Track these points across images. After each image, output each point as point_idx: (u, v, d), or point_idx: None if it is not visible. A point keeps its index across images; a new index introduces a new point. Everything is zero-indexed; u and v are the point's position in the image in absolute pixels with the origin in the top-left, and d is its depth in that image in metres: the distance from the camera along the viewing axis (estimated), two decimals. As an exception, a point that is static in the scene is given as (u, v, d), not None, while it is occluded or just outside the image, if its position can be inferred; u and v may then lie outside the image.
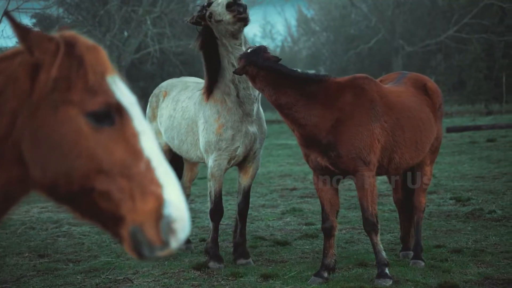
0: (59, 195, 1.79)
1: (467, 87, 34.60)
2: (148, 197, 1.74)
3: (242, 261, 6.28)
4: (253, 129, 6.20)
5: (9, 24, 1.74)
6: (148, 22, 27.39)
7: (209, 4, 5.98)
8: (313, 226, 7.87)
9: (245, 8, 5.76)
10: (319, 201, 5.73)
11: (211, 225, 6.35)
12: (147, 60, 30.43)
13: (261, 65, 5.47)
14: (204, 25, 6.10)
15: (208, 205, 6.39)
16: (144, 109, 7.44)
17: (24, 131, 1.77)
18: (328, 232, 5.62)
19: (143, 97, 7.45)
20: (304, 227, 8.02)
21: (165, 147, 7.01)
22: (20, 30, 1.76)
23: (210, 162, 6.18)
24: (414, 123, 5.72)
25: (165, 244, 1.75)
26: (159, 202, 1.74)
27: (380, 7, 40.62)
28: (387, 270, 5.43)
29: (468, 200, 9.04)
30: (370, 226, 5.49)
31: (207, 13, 5.96)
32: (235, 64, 5.92)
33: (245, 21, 5.83)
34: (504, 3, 33.63)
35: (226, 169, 6.22)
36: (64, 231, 8.03)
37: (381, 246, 5.53)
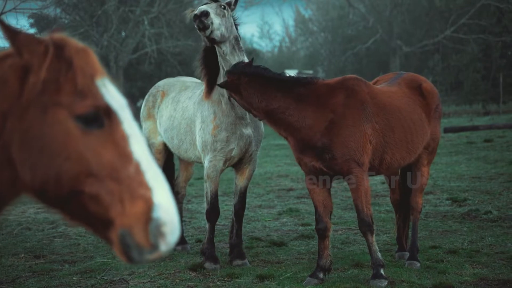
0: (48, 198, 1.78)
1: (465, 87, 34.62)
2: (137, 200, 1.74)
3: (238, 262, 6.28)
4: (248, 131, 6.20)
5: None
6: (146, 22, 27.36)
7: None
8: (309, 227, 7.87)
9: (204, 25, 5.72)
10: (313, 202, 5.74)
11: (207, 225, 6.35)
12: (145, 60, 30.40)
13: (240, 71, 5.45)
14: None
15: (205, 205, 6.39)
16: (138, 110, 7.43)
17: (13, 133, 1.76)
18: (322, 233, 5.63)
19: (141, 97, 7.45)
20: (300, 227, 8.02)
21: (159, 147, 7.01)
22: (9, 32, 1.76)
23: (206, 163, 6.19)
24: (404, 124, 5.72)
25: (154, 247, 1.75)
26: (148, 205, 1.74)
27: (378, 7, 40.63)
28: (382, 271, 5.43)
29: (465, 200, 9.05)
30: (365, 226, 5.49)
31: None
32: (223, 66, 6.05)
33: (204, 34, 5.83)
34: (501, 3, 33.66)
35: (222, 170, 6.22)
36: (60, 232, 8.02)
37: (376, 246, 5.54)
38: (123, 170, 1.75)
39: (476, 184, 10.47)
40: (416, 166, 6.19)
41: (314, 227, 6.02)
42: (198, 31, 5.87)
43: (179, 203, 7.46)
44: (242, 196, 6.39)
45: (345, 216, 8.52)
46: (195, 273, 6.07)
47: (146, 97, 7.26)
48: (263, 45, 59.46)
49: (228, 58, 5.99)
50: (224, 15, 5.90)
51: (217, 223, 8.12)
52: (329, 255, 5.66)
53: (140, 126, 7.40)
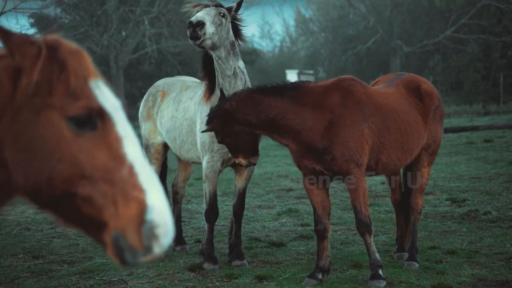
0: (41, 200, 1.78)
1: (465, 87, 34.58)
2: (131, 203, 1.73)
3: (237, 262, 6.28)
4: None
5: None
6: (146, 22, 27.35)
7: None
8: (308, 227, 7.86)
9: (196, 35, 5.69)
10: (311, 204, 5.73)
11: (206, 226, 6.35)
12: (145, 60, 30.39)
13: (222, 105, 5.42)
14: None
15: (204, 206, 6.39)
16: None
17: (6, 135, 1.76)
18: (321, 234, 5.62)
19: (141, 97, 7.43)
20: (299, 228, 8.02)
21: (159, 147, 7.00)
22: (1, 33, 1.75)
23: (204, 163, 6.19)
24: (400, 125, 5.72)
25: (147, 249, 1.74)
26: (142, 207, 1.73)
27: (378, 7, 40.58)
28: (380, 272, 5.43)
29: (464, 201, 9.04)
30: (363, 227, 5.49)
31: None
32: (217, 69, 6.06)
33: (194, 43, 5.81)
34: (502, 3, 33.62)
35: (220, 170, 6.22)
36: (59, 232, 8.02)
37: (374, 247, 5.54)
38: (116, 172, 1.75)
39: (475, 184, 10.46)
40: (417, 167, 6.20)
41: (313, 227, 6.04)
42: (188, 38, 5.84)
43: (178, 203, 7.45)
44: (241, 197, 6.38)
45: (345, 216, 8.52)
46: (194, 273, 6.07)
47: (145, 96, 7.23)
48: (264, 45, 59.40)
49: (222, 62, 5.97)
50: (221, 23, 5.84)
51: (217, 223, 8.11)
52: (328, 256, 5.66)
53: (136, 126, 7.40)
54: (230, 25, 6.01)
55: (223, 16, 5.89)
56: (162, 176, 7.34)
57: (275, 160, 15.86)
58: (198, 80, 7.15)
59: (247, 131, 5.43)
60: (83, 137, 1.75)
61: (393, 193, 6.67)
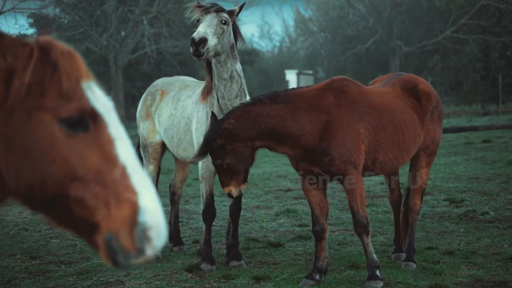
0: (33, 202, 1.78)
1: (464, 87, 34.58)
2: (123, 204, 1.73)
3: (234, 263, 6.28)
4: None
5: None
6: (145, 22, 27.34)
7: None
8: (306, 228, 7.87)
9: (199, 53, 5.67)
10: (309, 204, 5.74)
11: (203, 226, 6.35)
12: (144, 60, 30.38)
13: (220, 125, 5.36)
14: None
15: (201, 206, 6.40)
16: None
17: None
18: (319, 235, 5.62)
19: (141, 97, 7.42)
20: (297, 228, 8.02)
21: (157, 146, 6.99)
22: None
23: (200, 164, 6.19)
24: (396, 124, 5.72)
25: (140, 251, 1.74)
26: (134, 209, 1.73)
27: (378, 7, 40.57)
28: (378, 272, 5.43)
29: (462, 201, 9.04)
30: (361, 228, 5.49)
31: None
32: (214, 72, 6.04)
33: (197, 59, 5.81)
34: (501, 4, 33.62)
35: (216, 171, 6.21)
36: (57, 233, 8.01)
37: (372, 248, 5.54)
38: (108, 174, 1.75)
39: (473, 184, 10.46)
40: (415, 167, 6.20)
41: (311, 228, 6.04)
42: (192, 55, 5.81)
43: (175, 204, 7.45)
44: (237, 198, 6.37)
45: (343, 217, 8.51)
46: (191, 274, 6.07)
47: (144, 96, 7.22)
48: (263, 45, 59.43)
49: (220, 66, 5.96)
50: (223, 32, 5.82)
51: (215, 223, 8.13)
52: (326, 257, 5.66)
53: (135, 126, 7.40)
54: (231, 29, 5.99)
55: (225, 23, 5.85)
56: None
57: (273, 160, 15.86)
58: (197, 80, 7.16)
59: (248, 146, 5.38)
60: (75, 138, 1.74)
61: (391, 194, 6.67)
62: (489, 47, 35.04)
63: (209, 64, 6.12)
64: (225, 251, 6.54)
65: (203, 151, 5.42)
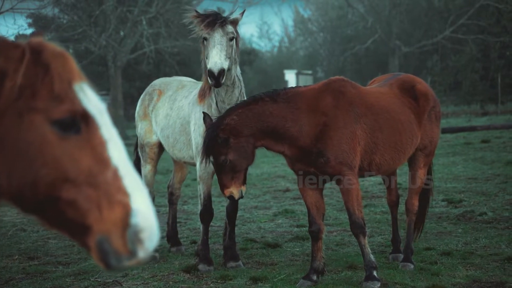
0: (25, 204, 1.77)
1: (463, 87, 34.57)
2: (115, 206, 1.72)
3: (232, 264, 6.27)
4: None
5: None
6: (144, 22, 27.31)
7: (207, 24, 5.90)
8: (304, 228, 7.86)
9: (220, 84, 5.70)
10: (305, 205, 5.73)
11: (201, 227, 6.35)
12: (143, 61, 30.36)
13: (221, 121, 5.34)
14: None
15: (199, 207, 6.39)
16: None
17: None
18: (315, 236, 5.62)
19: (139, 97, 7.43)
20: (295, 229, 8.01)
21: (154, 146, 6.99)
22: None
23: (197, 165, 6.20)
24: (393, 124, 5.71)
25: (132, 254, 1.73)
26: (126, 211, 1.72)
27: (377, 7, 40.55)
28: (375, 273, 5.43)
29: (460, 202, 9.04)
30: (357, 228, 5.49)
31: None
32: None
33: (217, 87, 5.83)
34: (500, 4, 33.61)
35: (214, 172, 6.20)
36: (55, 233, 7.99)
37: (369, 248, 5.53)
38: (100, 176, 1.74)
39: (472, 185, 10.46)
40: (413, 168, 6.20)
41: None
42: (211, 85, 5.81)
43: (173, 204, 7.46)
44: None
45: (341, 217, 8.51)
46: (188, 275, 6.07)
47: (142, 96, 7.24)
48: (262, 45, 59.44)
49: (225, 73, 5.93)
50: (232, 49, 5.82)
51: (213, 224, 8.13)
52: (323, 257, 5.66)
53: (134, 126, 7.40)
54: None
55: (233, 38, 5.84)
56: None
57: (272, 160, 15.85)
58: (195, 81, 7.16)
59: (250, 143, 5.35)
60: (67, 140, 1.74)
61: (389, 194, 6.67)
62: (488, 47, 35.04)
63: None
64: (222, 252, 6.54)
65: (208, 147, 5.34)
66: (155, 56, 29.26)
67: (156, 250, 6.85)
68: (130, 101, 33.43)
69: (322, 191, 5.73)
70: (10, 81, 1.73)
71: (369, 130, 5.54)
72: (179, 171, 7.49)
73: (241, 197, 5.49)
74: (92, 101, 1.80)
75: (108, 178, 1.74)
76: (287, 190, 11.21)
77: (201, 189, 6.24)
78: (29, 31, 28.09)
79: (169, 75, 8.88)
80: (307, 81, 39.52)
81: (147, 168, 7.08)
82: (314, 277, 5.58)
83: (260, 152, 19.09)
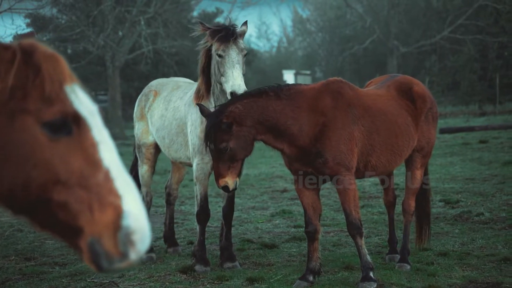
0: (16, 205, 1.77)
1: (461, 88, 34.61)
2: (106, 208, 1.72)
3: (228, 264, 6.27)
4: None
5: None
6: (142, 22, 27.29)
7: (212, 33, 5.91)
8: (301, 229, 7.85)
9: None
10: (302, 205, 5.74)
11: (197, 228, 6.35)
12: (141, 61, 30.36)
13: (225, 107, 5.33)
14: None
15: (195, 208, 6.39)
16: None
17: None
18: (311, 236, 5.62)
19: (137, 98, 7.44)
20: (292, 229, 8.01)
21: (151, 147, 7.00)
22: None
23: (194, 166, 6.21)
24: (390, 127, 5.71)
25: (123, 255, 1.73)
26: (118, 213, 1.72)
27: (375, 7, 40.59)
28: (371, 274, 5.43)
29: (457, 202, 9.04)
30: (354, 229, 5.49)
31: (212, 48, 5.93)
32: (219, 87, 5.97)
33: None
34: (499, 4, 33.66)
35: (210, 173, 6.21)
36: (51, 234, 7.99)
37: (365, 249, 5.53)
38: (92, 178, 1.74)
39: (469, 185, 10.47)
40: (410, 168, 6.21)
41: (305, 229, 6.05)
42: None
43: (171, 205, 7.45)
44: (230, 200, 6.39)
45: (338, 218, 8.51)
46: (185, 275, 6.06)
47: (139, 97, 7.27)
48: (261, 45, 59.47)
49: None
50: (244, 63, 5.89)
51: (210, 224, 8.12)
52: (319, 257, 5.66)
53: (132, 127, 7.41)
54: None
55: (246, 55, 5.90)
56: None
57: (270, 161, 15.86)
58: (191, 81, 7.17)
59: (251, 134, 5.32)
60: (58, 142, 1.73)
61: (386, 195, 6.68)
62: (486, 48, 35.11)
63: (207, 73, 6.09)
64: (219, 252, 6.53)
65: (210, 132, 5.29)
66: (153, 56, 29.26)
67: (153, 251, 6.85)
68: (129, 101, 33.42)
69: (318, 192, 5.74)
70: (1, 83, 1.72)
71: (366, 132, 5.54)
72: (177, 172, 7.49)
73: (235, 188, 5.45)
74: (83, 102, 1.79)
75: (99, 180, 1.74)
76: (285, 190, 11.21)
77: (197, 189, 6.24)
78: (27, 31, 28.07)
79: (168, 75, 8.91)
80: (305, 81, 39.51)
81: (144, 168, 7.10)
82: (311, 278, 5.58)
83: (258, 153, 19.09)
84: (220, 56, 5.80)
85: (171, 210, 7.41)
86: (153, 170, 7.21)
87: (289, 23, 58.14)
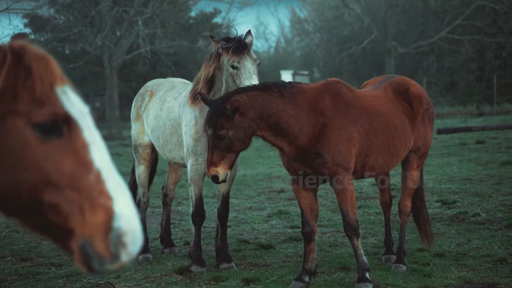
0: (7, 207, 1.76)
1: (459, 88, 34.65)
2: (98, 210, 1.72)
3: (224, 265, 6.27)
4: None
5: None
6: (140, 22, 27.26)
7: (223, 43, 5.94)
8: (298, 229, 7.84)
9: None
10: (299, 206, 5.73)
11: (193, 228, 6.35)
12: (139, 61, 30.34)
13: (230, 96, 5.33)
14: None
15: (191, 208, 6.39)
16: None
17: None
18: (308, 237, 5.62)
19: (136, 98, 7.45)
20: (289, 230, 8.01)
21: (146, 147, 7.00)
22: None
23: (188, 167, 6.21)
24: (387, 128, 5.72)
25: (115, 257, 1.73)
26: (109, 214, 1.72)
27: (373, 8, 40.59)
28: (367, 275, 5.43)
29: (454, 202, 9.05)
30: (351, 230, 5.49)
31: (222, 57, 5.95)
32: (224, 83, 5.97)
33: None
34: (496, 4, 33.70)
35: (204, 174, 6.21)
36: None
37: (362, 250, 5.53)
38: (83, 179, 1.73)
39: (466, 186, 10.47)
40: (406, 169, 6.21)
41: (301, 229, 6.05)
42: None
43: (167, 206, 7.45)
44: (224, 201, 6.40)
45: (334, 218, 8.51)
46: (181, 276, 6.06)
47: (136, 97, 7.28)
48: (259, 46, 59.39)
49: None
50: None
51: (207, 225, 8.13)
52: (315, 258, 5.66)
53: (129, 127, 7.41)
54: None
55: (259, 64, 5.95)
56: (149, 179, 7.36)
57: (267, 161, 15.85)
58: (186, 81, 7.17)
59: (252, 127, 5.29)
60: (49, 144, 1.73)
61: (382, 195, 6.68)
62: (484, 48, 35.13)
63: (211, 83, 6.08)
64: (215, 253, 6.54)
65: (212, 117, 5.23)
66: (151, 56, 29.26)
67: (149, 252, 6.85)
68: (126, 101, 33.43)
69: (316, 193, 5.74)
70: None
71: (364, 133, 5.55)
72: (174, 172, 7.49)
73: (224, 180, 5.37)
74: (74, 104, 1.79)
75: (90, 181, 1.74)
76: (282, 191, 11.21)
77: (192, 190, 6.25)
78: (24, 31, 28.04)
79: (165, 76, 8.91)
80: (303, 81, 39.46)
81: (140, 168, 7.11)
82: (306, 279, 5.58)
83: (255, 153, 19.01)
84: (235, 67, 5.81)
85: (167, 211, 7.41)
86: (149, 171, 7.21)
87: (287, 23, 58.16)
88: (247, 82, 5.69)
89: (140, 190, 7.15)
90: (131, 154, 7.50)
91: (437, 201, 9.25)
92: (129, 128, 7.39)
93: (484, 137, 17.34)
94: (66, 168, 1.73)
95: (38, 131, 1.72)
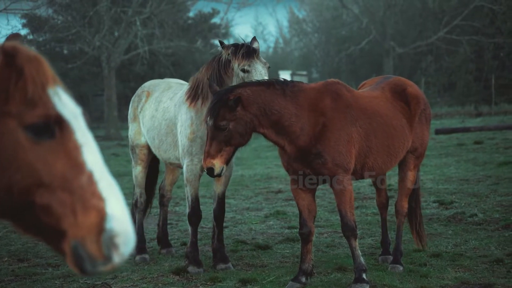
0: (0, 209, 1.76)
1: (457, 88, 34.67)
2: (90, 211, 1.72)
3: (221, 266, 6.27)
4: None
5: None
6: (138, 23, 27.25)
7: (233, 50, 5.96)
8: (295, 230, 7.84)
9: None
10: (297, 207, 5.73)
11: (189, 229, 6.35)
12: (137, 61, 30.33)
13: (233, 88, 5.33)
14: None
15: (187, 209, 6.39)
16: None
17: None
18: (305, 238, 5.62)
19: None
20: (286, 230, 8.01)
21: (143, 148, 7.00)
22: None
23: (184, 167, 6.22)
24: (385, 129, 5.72)
25: (107, 259, 1.73)
26: (101, 216, 1.72)
27: (371, 8, 40.59)
28: (364, 275, 5.43)
29: (451, 203, 9.05)
30: (349, 231, 5.49)
31: (232, 63, 5.97)
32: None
33: None
34: (494, 5, 33.74)
35: (200, 175, 6.21)
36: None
37: (359, 251, 5.54)
38: (75, 180, 1.73)
39: (464, 186, 10.48)
40: (403, 169, 6.21)
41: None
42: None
43: (164, 206, 7.45)
44: (220, 202, 6.39)
45: (332, 219, 8.51)
46: (178, 277, 6.06)
47: (133, 98, 7.28)
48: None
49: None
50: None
51: (204, 226, 8.13)
52: (312, 259, 5.66)
53: (127, 128, 7.41)
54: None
55: (269, 68, 5.99)
56: (152, 180, 7.38)
57: (265, 161, 15.85)
58: (183, 82, 7.17)
59: (253, 123, 5.25)
60: (41, 145, 1.73)
61: (378, 196, 6.68)
62: (482, 48, 35.16)
63: (218, 80, 6.07)
64: (212, 254, 6.53)
65: (215, 106, 5.18)
66: (149, 57, 29.23)
67: (146, 252, 6.85)
68: (124, 102, 33.33)
69: (314, 194, 5.74)
70: None
71: (364, 134, 5.55)
72: (171, 173, 7.49)
73: (219, 174, 5.33)
74: (67, 105, 1.79)
75: (82, 182, 1.73)
76: (280, 191, 11.20)
77: (188, 191, 6.25)
78: (23, 31, 28.03)
79: (164, 76, 8.92)
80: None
81: (137, 169, 7.11)
82: (303, 279, 5.58)
83: (253, 154, 18.98)
84: (246, 71, 5.84)
85: (164, 211, 7.40)
86: (146, 171, 7.21)
87: (285, 23, 58.12)
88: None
89: (137, 191, 7.15)
90: (127, 155, 7.50)
91: (434, 202, 9.25)
92: (127, 128, 7.39)
93: (482, 138, 17.35)
94: (58, 170, 1.73)
95: (30, 133, 1.72)
